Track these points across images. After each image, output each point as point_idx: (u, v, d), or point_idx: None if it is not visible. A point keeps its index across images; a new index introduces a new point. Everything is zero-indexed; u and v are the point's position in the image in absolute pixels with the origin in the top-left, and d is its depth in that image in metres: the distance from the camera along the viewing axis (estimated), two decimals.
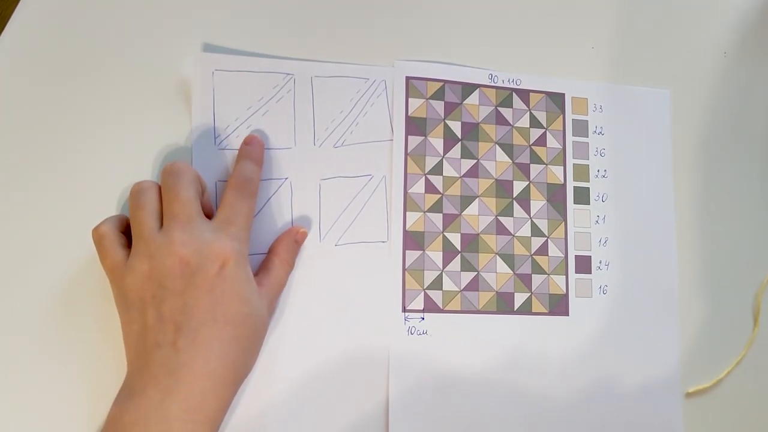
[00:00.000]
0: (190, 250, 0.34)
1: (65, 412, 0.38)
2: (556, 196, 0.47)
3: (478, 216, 0.46)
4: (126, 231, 0.38)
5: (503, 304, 0.45)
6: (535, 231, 0.46)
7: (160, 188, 0.37)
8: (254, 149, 0.41)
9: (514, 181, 0.47)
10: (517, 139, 0.47)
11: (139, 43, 0.44)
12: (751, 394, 0.48)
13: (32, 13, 0.43)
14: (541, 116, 0.48)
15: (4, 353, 0.39)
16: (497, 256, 0.45)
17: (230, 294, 0.35)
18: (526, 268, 0.46)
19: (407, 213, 0.45)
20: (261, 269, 0.40)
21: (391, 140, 0.45)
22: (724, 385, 0.48)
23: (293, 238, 0.41)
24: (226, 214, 0.37)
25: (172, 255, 0.34)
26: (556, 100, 0.48)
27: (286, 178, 0.43)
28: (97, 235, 0.36)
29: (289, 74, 0.44)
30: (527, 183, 0.47)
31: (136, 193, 0.37)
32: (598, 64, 0.50)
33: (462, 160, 0.46)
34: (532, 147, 0.47)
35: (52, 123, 0.42)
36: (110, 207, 0.41)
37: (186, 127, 0.43)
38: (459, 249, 0.45)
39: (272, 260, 0.40)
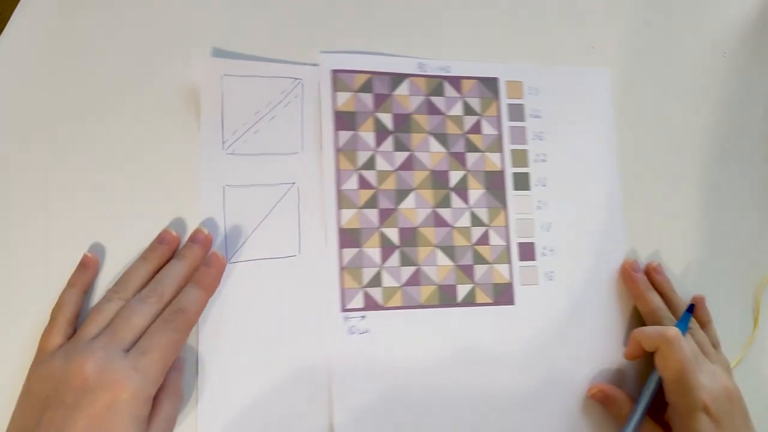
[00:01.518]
0: (95, 369, 0.33)
1: None
2: (494, 183, 0.46)
3: (415, 209, 0.44)
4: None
5: (446, 297, 0.44)
6: (475, 221, 0.45)
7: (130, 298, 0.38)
8: (210, 272, 0.39)
9: (450, 171, 0.46)
10: (451, 128, 0.46)
11: (145, 46, 0.43)
12: (751, 394, 0.47)
13: (32, 13, 0.42)
14: (475, 103, 0.47)
15: None
16: (437, 249, 0.44)
17: (108, 428, 0.33)
18: (467, 259, 0.45)
19: (341, 210, 0.43)
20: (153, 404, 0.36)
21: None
22: None
23: (175, 367, 0.38)
24: (144, 344, 0.35)
25: (79, 365, 0.33)
26: (490, 85, 0.48)
27: (293, 183, 0.43)
28: (53, 314, 0.37)
29: (296, 79, 0.44)
30: (464, 172, 0.46)
31: (108, 298, 0.37)
32: (598, 65, 0.50)
33: (395, 152, 0.45)
34: (467, 135, 0.46)
35: (53, 124, 0.41)
36: (116, 212, 0.41)
37: (194, 131, 0.42)
38: (397, 244, 0.44)
39: (159, 397, 0.36)
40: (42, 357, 0.35)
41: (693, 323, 0.44)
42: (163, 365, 0.35)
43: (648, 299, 0.45)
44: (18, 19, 0.42)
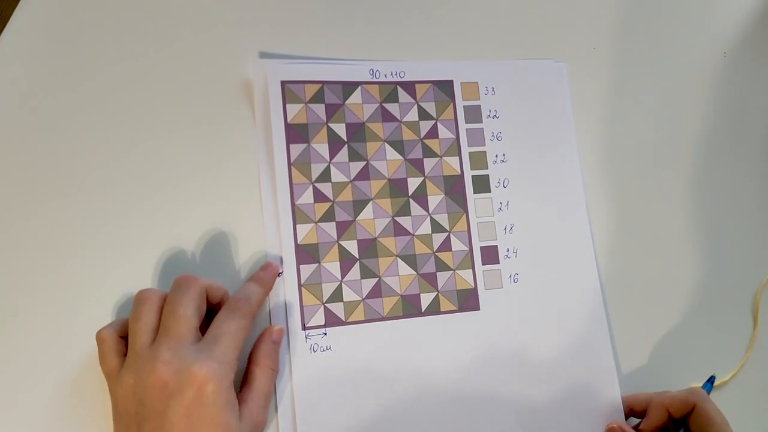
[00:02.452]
0: (171, 371, 0.34)
1: None
2: (454, 188, 0.46)
3: (373, 219, 0.44)
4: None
5: (409, 307, 0.43)
6: (436, 227, 0.45)
7: (164, 296, 0.37)
8: (266, 274, 0.41)
9: (408, 179, 0.45)
10: (407, 135, 0.45)
11: (150, 46, 0.43)
12: (751, 394, 0.47)
13: (32, 13, 0.42)
14: (430, 107, 0.46)
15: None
16: (398, 259, 0.44)
17: (206, 420, 0.34)
18: (429, 267, 0.44)
19: (297, 226, 0.42)
20: (244, 382, 0.38)
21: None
22: (727, 384, 0.47)
23: (270, 340, 0.39)
24: (213, 333, 0.36)
25: (153, 373, 0.34)
26: (444, 88, 0.47)
27: None
28: (98, 339, 0.37)
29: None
30: (422, 178, 0.45)
31: (137, 302, 0.37)
32: (599, 65, 0.50)
33: (350, 163, 0.44)
34: (424, 140, 0.46)
35: (53, 125, 0.41)
36: (114, 219, 0.41)
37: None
38: (357, 256, 0.43)
39: (253, 370, 0.38)
40: (113, 380, 0.36)
41: None
42: (236, 350, 0.36)
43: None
44: (18, 19, 0.42)
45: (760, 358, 0.48)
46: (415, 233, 0.44)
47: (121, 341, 0.37)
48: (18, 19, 0.42)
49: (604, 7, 0.51)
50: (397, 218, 0.44)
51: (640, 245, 0.48)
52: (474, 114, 0.47)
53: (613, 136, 0.49)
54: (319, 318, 0.42)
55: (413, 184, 0.45)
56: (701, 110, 0.51)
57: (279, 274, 0.41)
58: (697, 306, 0.48)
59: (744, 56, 0.53)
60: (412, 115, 0.46)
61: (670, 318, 0.47)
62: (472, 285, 0.44)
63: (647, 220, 0.48)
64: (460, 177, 0.46)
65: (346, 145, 0.44)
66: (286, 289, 0.42)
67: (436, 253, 0.44)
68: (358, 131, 0.44)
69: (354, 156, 0.44)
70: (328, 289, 0.42)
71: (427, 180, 0.45)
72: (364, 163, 0.44)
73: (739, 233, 0.50)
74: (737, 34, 0.53)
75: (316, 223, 0.43)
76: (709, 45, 0.53)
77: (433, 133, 0.46)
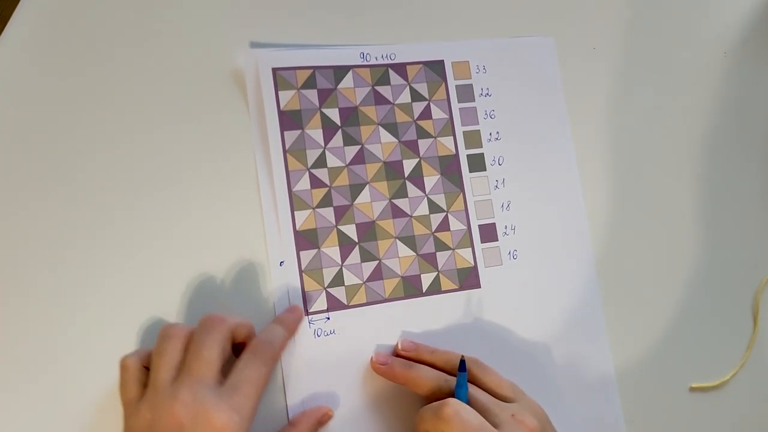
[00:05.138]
0: (189, 414, 0.33)
1: None
2: (449, 168, 0.46)
3: (371, 203, 0.44)
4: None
5: (411, 288, 0.43)
6: (433, 207, 0.45)
7: (190, 333, 0.37)
8: (291, 317, 0.40)
9: (404, 161, 0.45)
10: (401, 117, 0.45)
11: (146, 44, 0.43)
12: (752, 394, 0.47)
13: (32, 13, 0.43)
14: (422, 88, 0.46)
15: None
16: (397, 240, 0.44)
17: None
18: (429, 247, 0.44)
19: (295, 212, 0.43)
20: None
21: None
22: (727, 384, 0.47)
23: (318, 418, 0.39)
24: (234, 379, 0.35)
25: (171, 414, 0.33)
26: (436, 68, 0.47)
27: None
28: (122, 366, 0.37)
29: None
30: (417, 160, 0.45)
31: (162, 337, 0.36)
32: (597, 65, 0.50)
33: (345, 147, 0.44)
34: (417, 122, 0.46)
35: (52, 124, 0.41)
36: (100, 221, 0.41)
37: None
38: (356, 240, 0.43)
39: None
40: (130, 410, 0.35)
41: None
42: (256, 399, 0.35)
43: (420, 382, 0.39)
44: (18, 19, 0.42)
45: (760, 358, 0.48)
46: (413, 214, 0.44)
47: (144, 371, 0.36)
48: (18, 19, 0.42)
49: (604, 6, 0.51)
50: (394, 200, 0.44)
51: (638, 245, 0.48)
52: (466, 93, 0.47)
53: (613, 136, 0.49)
54: (321, 303, 0.42)
55: (409, 165, 0.45)
56: (701, 110, 0.51)
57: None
58: (697, 305, 0.48)
59: (744, 56, 0.52)
60: (405, 97, 0.46)
61: (670, 317, 0.47)
62: (472, 263, 0.45)
63: (646, 220, 0.48)
64: (455, 156, 0.46)
65: (340, 130, 0.44)
66: (288, 276, 0.42)
67: (435, 234, 0.45)
68: (351, 115, 0.44)
69: (348, 140, 0.44)
70: (329, 274, 0.42)
71: (422, 161, 0.45)
72: (359, 147, 0.44)
73: (739, 233, 0.49)
74: (737, 34, 0.53)
75: (313, 209, 0.43)
76: (709, 45, 0.52)
77: (426, 114, 0.46)
